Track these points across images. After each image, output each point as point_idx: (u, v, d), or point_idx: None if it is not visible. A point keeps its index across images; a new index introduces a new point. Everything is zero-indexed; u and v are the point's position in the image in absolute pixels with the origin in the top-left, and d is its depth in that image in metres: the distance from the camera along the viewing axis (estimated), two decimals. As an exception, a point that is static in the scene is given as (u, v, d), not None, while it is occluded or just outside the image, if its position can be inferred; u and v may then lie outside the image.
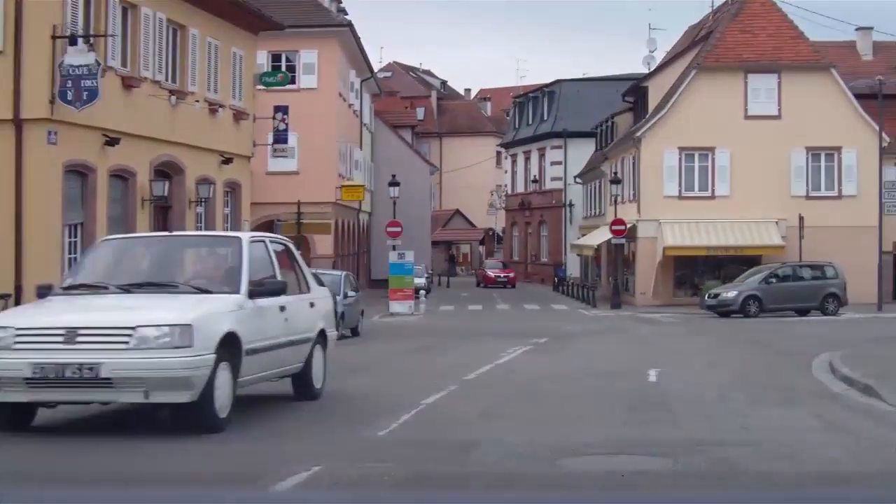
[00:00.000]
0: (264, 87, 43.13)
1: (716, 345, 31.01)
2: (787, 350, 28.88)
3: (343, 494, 10.53)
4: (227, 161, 37.90)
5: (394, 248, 53.79)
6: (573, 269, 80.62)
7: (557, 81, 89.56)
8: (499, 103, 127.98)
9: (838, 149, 56.21)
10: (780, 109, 56.27)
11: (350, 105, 64.88)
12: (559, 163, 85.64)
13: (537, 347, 29.54)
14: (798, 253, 52.90)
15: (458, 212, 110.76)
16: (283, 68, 56.67)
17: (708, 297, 47.79)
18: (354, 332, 36.63)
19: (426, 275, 71.17)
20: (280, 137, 41.94)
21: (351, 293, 35.82)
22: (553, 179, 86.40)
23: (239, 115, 38.97)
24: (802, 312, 47.23)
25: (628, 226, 56.00)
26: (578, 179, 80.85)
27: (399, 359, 26.93)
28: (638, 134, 57.31)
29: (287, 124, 42.09)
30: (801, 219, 53.18)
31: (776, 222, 55.26)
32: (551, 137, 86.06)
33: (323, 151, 56.85)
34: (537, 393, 19.03)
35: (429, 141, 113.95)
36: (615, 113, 71.79)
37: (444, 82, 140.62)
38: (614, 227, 55.30)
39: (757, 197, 55.54)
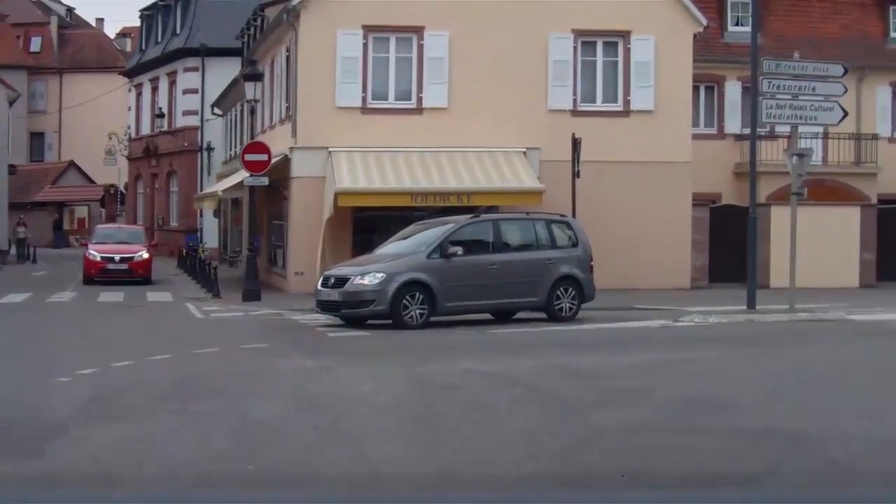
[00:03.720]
0: None
1: None
2: None
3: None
4: None
5: None
6: (212, 235, 58.72)
7: (194, -17, 66.98)
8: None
9: (625, 34, 34.17)
10: (528, -31, 33.79)
11: None
12: (194, 90, 64.37)
13: None
14: (570, 203, 30.70)
15: (72, 164, 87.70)
16: None
17: (323, 286, 23.96)
18: None
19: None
20: None
21: None
22: (186, 114, 65.00)
23: None
24: (505, 314, 24.66)
25: (275, 158, 32.64)
26: (217, 109, 58.83)
27: None
28: (294, 3, 33.71)
29: None
30: (576, 143, 30.86)
31: (524, 152, 33.00)
32: (184, 57, 64.91)
33: None
34: None
35: (46, 78, 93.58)
36: (266, 4, 48.32)
37: (70, 10, 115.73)
38: (248, 158, 31.60)
39: (493, 110, 33.28)
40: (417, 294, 22.76)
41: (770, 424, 11.09)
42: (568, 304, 24.19)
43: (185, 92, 63.92)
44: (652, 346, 18.64)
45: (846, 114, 25.77)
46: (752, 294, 24.50)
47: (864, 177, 40.70)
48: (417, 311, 22.71)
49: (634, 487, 8.51)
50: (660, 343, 19.42)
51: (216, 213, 57.87)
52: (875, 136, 41.05)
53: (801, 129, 27.51)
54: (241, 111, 49.91)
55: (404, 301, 22.65)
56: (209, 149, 61.92)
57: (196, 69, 62.91)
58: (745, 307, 24.72)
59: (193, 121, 62.94)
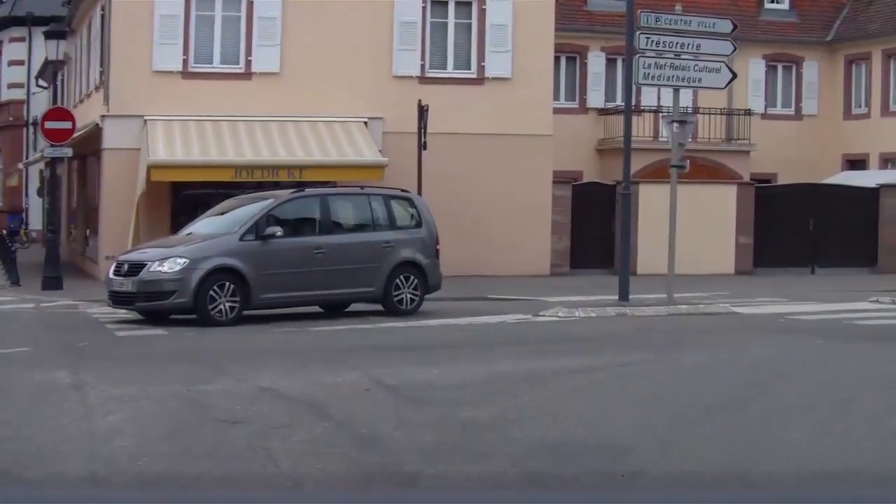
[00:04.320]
0: None
1: None
2: None
3: None
4: None
5: None
6: (38, 216, 55.50)
7: (22, -56, 62.87)
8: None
9: (478, -7, 30.87)
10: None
11: None
12: (20, 62, 60.36)
13: None
14: (416, 181, 27.21)
15: None
16: None
17: (116, 274, 19.74)
18: None
19: None
20: None
21: None
22: (12, 87, 61.12)
23: None
24: (336, 307, 20.99)
25: (80, 129, 28.68)
26: (41, 81, 54.64)
27: None
28: (105, -49, 29.73)
29: None
30: (422, 111, 27.31)
31: (365, 122, 29.50)
32: (10, 26, 60.56)
33: None
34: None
35: None
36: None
37: None
38: (49, 126, 27.45)
39: (331, 76, 29.69)
40: (227, 284, 18.92)
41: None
42: (409, 296, 20.56)
43: (11, 63, 59.65)
44: (509, 351, 15.03)
45: (735, 76, 22.43)
46: (624, 283, 21.05)
47: (736, 154, 37.84)
48: (227, 305, 18.89)
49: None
50: (519, 345, 15.80)
51: (40, 192, 53.80)
52: (748, 112, 38.24)
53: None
54: (64, 80, 45.78)
55: (211, 292, 18.77)
56: (35, 123, 57.60)
57: (22, 39, 58.72)
58: (615, 298, 21.33)
59: (19, 94, 58.57)
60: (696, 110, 36.68)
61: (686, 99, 34.19)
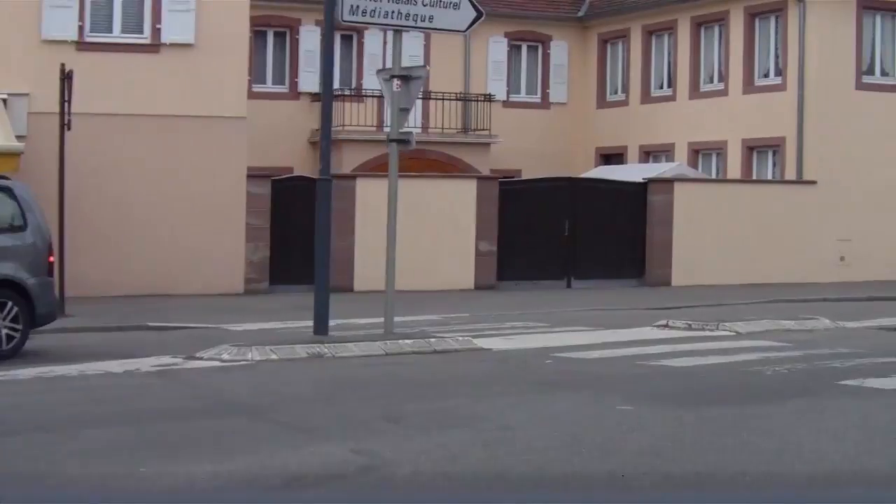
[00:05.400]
0: None
1: None
2: None
3: None
4: None
5: None
6: None
7: None
8: None
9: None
10: None
11: None
12: None
13: None
14: (58, 171, 20.72)
15: None
16: None
17: None
18: None
19: None
20: None
21: None
22: None
23: None
24: None
25: None
26: None
27: None
28: None
29: None
30: (66, 79, 20.77)
31: (4, 99, 23.09)
32: None
33: None
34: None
35: None
36: None
37: None
38: None
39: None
40: None
41: None
42: (5, 332, 14.00)
43: None
44: (94, 440, 8.62)
45: (480, 14, 16.77)
46: (321, 311, 14.86)
47: (474, 147, 32.40)
48: None
49: None
50: (117, 428, 9.04)
51: None
52: (488, 98, 32.87)
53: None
54: None
55: None
56: None
57: None
58: (312, 329, 15.22)
59: None
60: (426, 96, 31.21)
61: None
